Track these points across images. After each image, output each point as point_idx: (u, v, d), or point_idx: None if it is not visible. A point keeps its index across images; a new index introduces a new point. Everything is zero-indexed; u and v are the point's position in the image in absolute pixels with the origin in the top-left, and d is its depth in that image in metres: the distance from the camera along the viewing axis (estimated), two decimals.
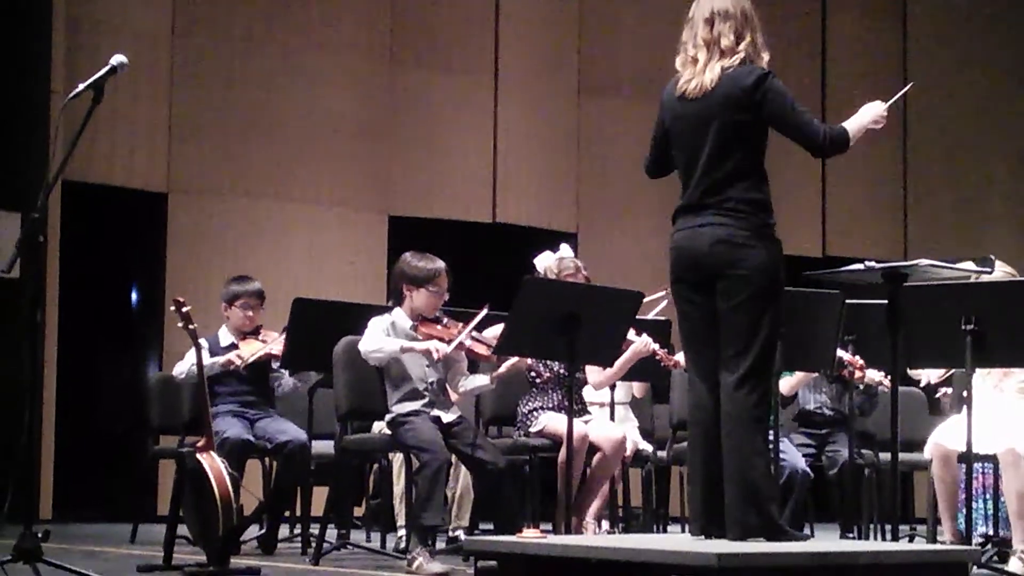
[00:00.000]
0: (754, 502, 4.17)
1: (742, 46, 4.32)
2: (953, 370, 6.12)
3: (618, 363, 5.92)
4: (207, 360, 6.03)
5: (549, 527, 5.98)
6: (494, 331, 5.53)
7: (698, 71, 4.34)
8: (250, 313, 6.44)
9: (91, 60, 8.20)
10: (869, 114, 4.48)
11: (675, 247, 4.38)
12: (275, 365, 6.40)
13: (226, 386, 6.34)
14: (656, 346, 6.01)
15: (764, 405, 4.28)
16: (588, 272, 6.12)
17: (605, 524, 6.45)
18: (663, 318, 6.46)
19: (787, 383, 6.37)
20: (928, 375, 6.30)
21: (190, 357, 6.06)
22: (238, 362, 6.24)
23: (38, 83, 8.71)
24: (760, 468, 4.21)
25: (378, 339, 5.51)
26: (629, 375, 6.24)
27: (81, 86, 4.57)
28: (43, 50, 8.75)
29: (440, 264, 5.65)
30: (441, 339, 5.57)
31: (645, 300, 5.59)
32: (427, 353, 5.49)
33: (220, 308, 6.55)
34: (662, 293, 6.13)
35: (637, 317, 5.64)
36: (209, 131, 9.38)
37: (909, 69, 11.87)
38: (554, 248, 6.26)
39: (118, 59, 4.62)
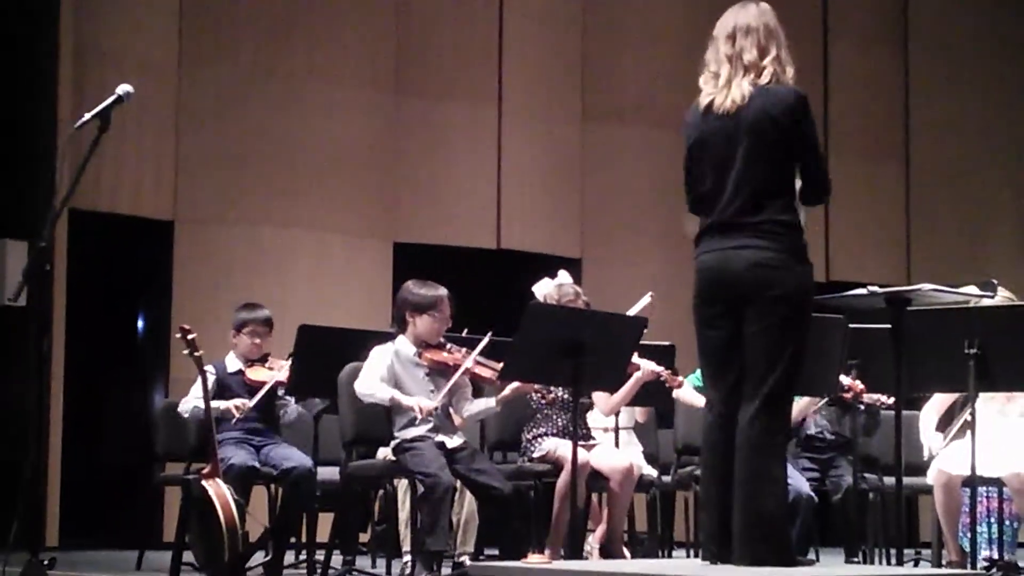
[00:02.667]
0: (769, 533, 4.12)
1: (767, 60, 4.26)
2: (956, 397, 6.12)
3: (624, 389, 5.94)
4: (211, 403, 6.02)
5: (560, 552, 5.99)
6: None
7: (721, 86, 4.27)
8: (257, 340, 6.46)
9: (97, 89, 8.22)
10: None
11: (705, 269, 4.29)
12: (281, 392, 6.42)
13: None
14: (660, 368, 6.02)
15: (782, 433, 4.22)
16: (588, 298, 6.14)
17: None
18: (667, 343, 6.47)
19: (793, 408, 6.37)
20: (930, 445, 6.09)
21: (194, 392, 6.09)
22: (237, 415, 6.21)
23: (44, 112, 8.76)
24: (776, 498, 4.16)
25: (372, 383, 5.56)
26: (635, 400, 6.25)
27: (87, 115, 4.60)
28: (49, 79, 8.80)
29: (442, 291, 5.68)
30: (446, 365, 5.60)
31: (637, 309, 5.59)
32: (410, 409, 5.52)
33: (226, 335, 6.57)
34: (647, 297, 6.15)
35: (641, 342, 5.67)
36: (215, 159, 9.42)
37: (911, 94, 11.92)
38: (553, 275, 6.28)
39: (124, 88, 4.65)
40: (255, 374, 6.34)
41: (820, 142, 4.32)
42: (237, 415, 6.16)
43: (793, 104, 4.23)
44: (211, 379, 6.03)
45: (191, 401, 6.17)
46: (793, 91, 4.27)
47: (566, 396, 5.83)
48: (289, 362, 6.27)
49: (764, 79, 4.26)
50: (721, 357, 4.31)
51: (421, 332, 5.63)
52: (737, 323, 4.25)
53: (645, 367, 5.96)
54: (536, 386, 5.82)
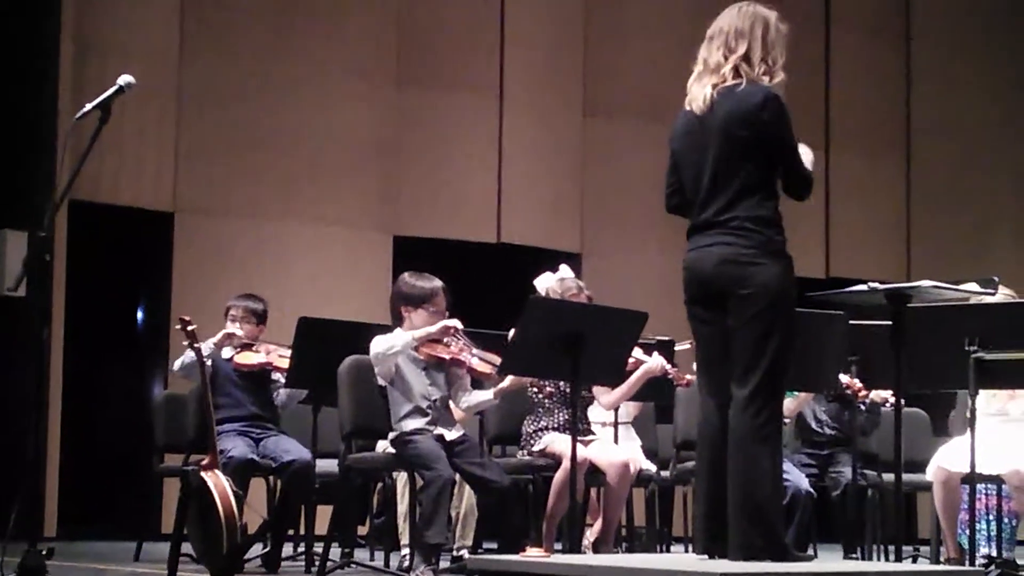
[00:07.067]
0: (759, 523, 4.15)
1: (731, 59, 4.30)
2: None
3: (628, 382, 5.93)
4: (206, 349, 6.05)
5: (558, 547, 5.99)
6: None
7: (691, 86, 4.37)
8: (239, 326, 6.50)
9: (98, 80, 8.23)
10: (808, 158, 4.48)
11: (685, 268, 4.39)
12: (278, 377, 6.45)
13: (229, 397, 6.37)
14: (668, 365, 6.02)
15: (772, 424, 4.25)
16: (591, 292, 6.13)
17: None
18: (667, 338, 6.46)
19: (788, 404, 6.37)
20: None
21: (187, 353, 6.13)
22: (234, 339, 6.29)
23: (45, 103, 8.75)
24: (766, 488, 4.19)
25: (386, 340, 5.54)
26: (637, 395, 6.24)
27: (89, 106, 4.59)
28: (51, 70, 8.80)
29: (437, 283, 5.67)
30: (441, 358, 5.59)
31: (677, 349, 5.59)
32: (444, 331, 5.51)
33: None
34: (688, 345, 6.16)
35: (640, 340, 5.66)
36: (215, 151, 9.41)
37: (913, 89, 11.91)
38: (554, 269, 6.28)
39: (125, 79, 4.65)
40: (243, 359, 6.38)
41: (794, 140, 4.31)
42: (236, 340, 6.25)
43: (759, 103, 4.26)
44: (208, 370, 6.04)
45: (184, 358, 6.18)
46: (761, 90, 4.28)
47: (565, 389, 5.82)
48: (277, 346, 6.32)
49: (730, 80, 4.29)
50: (711, 352, 4.37)
51: (418, 325, 5.62)
52: (723, 318, 4.32)
53: (655, 362, 5.95)
54: (532, 379, 5.81)
